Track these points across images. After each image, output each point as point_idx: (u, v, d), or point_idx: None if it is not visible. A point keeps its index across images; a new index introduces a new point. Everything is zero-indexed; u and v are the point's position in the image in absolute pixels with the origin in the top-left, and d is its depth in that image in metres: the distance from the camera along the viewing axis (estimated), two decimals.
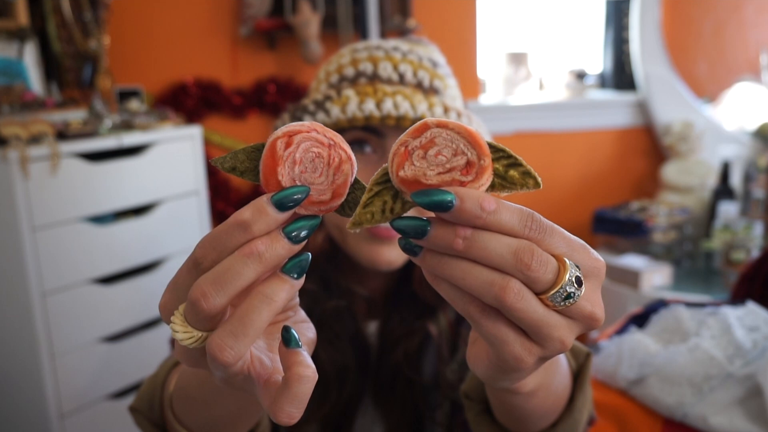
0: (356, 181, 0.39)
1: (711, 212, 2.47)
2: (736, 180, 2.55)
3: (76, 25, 1.88)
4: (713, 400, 1.04)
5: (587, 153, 2.82)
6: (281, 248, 0.36)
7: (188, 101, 2.19)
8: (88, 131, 1.64)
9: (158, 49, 2.16)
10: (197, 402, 0.55)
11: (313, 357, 0.77)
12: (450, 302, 0.38)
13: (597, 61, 2.95)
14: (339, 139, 0.38)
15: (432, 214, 0.36)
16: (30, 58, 1.82)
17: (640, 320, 1.31)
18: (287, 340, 0.38)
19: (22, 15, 1.77)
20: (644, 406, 1.12)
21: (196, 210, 1.89)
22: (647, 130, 2.86)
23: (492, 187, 0.37)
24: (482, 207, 0.34)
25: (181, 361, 0.41)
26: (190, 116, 2.20)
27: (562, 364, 0.57)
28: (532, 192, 0.37)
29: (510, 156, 0.36)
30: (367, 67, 0.76)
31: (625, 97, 2.80)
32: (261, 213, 0.36)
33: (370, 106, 0.71)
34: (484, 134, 0.77)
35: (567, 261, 0.36)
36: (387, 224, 0.75)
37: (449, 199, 0.34)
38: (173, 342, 0.83)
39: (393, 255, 0.75)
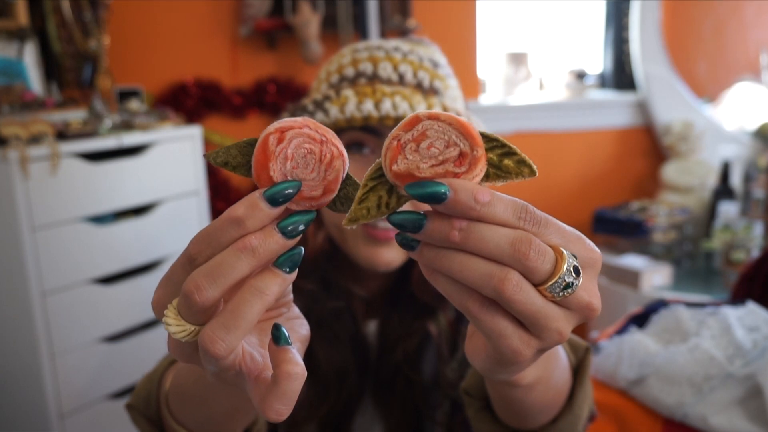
0: (348, 176, 0.39)
1: (711, 212, 2.47)
2: (736, 180, 2.55)
3: (76, 25, 1.88)
4: (713, 400, 1.04)
5: (587, 153, 2.82)
6: (275, 243, 0.36)
7: (188, 101, 2.19)
8: (88, 131, 1.64)
9: (158, 49, 2.16)
10: (193, 399, 0.55)
11: (312, 357, 0.77)
12: (447, 297, 0.38)
13: (597, 61, 2.95)
14: (331, 135, 0.38)
15: (427, 208, 0.36)
16: (30, 58, 1.82)
17: (640, 320, 1.31)
18: (277, 337, 0.38)
19: (22, 15, 1.77)
20: (644, 406, 1.12)
21: (196, 210, 1.89)
22: (647, 130, 2.86)
23: (487, 177, 0.36)
24: (476, 198, 0.34)
25: (173, 356, 0.41)
26: (190, 116, 2.20)
27: (561, 357, 0.57)
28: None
29: (504, 145, 0.36)
30: (367, 68, 0.76)
31: (625, 97, 2.80)
32: (254, 208, 0.36)
33: (368, 106, 0.71)
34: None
35: (564, 251, 0.35)
36: (385, 225, 0.75)
37: (443, 190, 0.34)
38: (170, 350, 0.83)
39: (391, 256, 0.75)
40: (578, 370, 0.63)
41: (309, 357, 0.76)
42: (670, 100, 2.77)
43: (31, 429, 1.61)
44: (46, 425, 1.57)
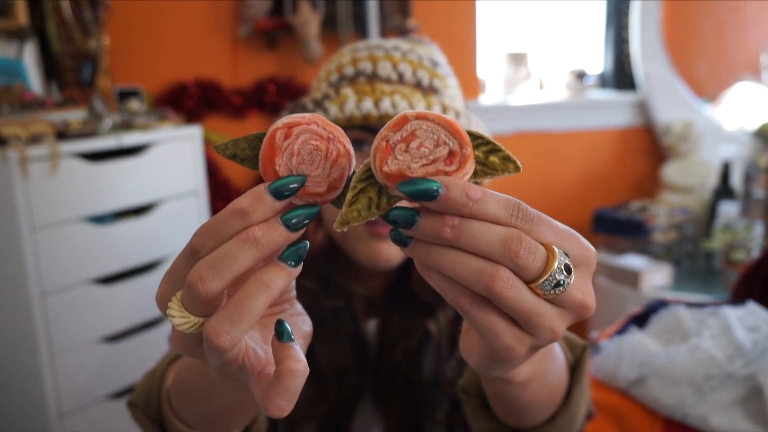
0: (354, 174, 0.39)
1: (711, 212, 2.47)
2: (736, 180, 2.55)
3: (76, 25, 1.88)
4: (713, 400, 1.04)
5: (587, 153, 2.82)
6: (278, 235, 0.36)
7: (188, 101, 2.19)
8: (88, 131, 1.63)
9: (158, 49, 2.16)
10: (195, 396, 0.55)
11: (312, 355, 0.77)
12: (440, 292, 0.38)
13: (597, 61, 2.95)
14: (339, 132, 0.38)
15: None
16: (30, 57, 1.82)
17: (640, 320, 1.31)
18: (280, 333, 0.38)
19: (22, 15, 1.77)
20: (644, 406, 1.12)
21: (196, 210, 1.89)
22: (647, 130, 2.86)
23: (474, 174, 0.37)
24: (468, 195, 0.34)
25: (177, 350, 0.41)
26: (190, 116, 2.20)
27: (557, 355, 0.57)
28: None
29: (489, 142, 0.37)
30: (366, 67, 0.76)
31: (625, 97, 2.80)
32: (258, 201, 0.36)
33: (368, 105, 0.71)
34: (483, 131, 0.78)
35: (556, 249, 0.36)
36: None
37: (435, 187, 0.34)
38: (172, 343, 0.83)
39: (392, 252, 0.75)
40: (575, 368, 0.63)
41: (308, 355, 0.76)
42: (670, 100, 2.77)
43: (31, 429, 1.61)
44: (46, 425, 1.57)
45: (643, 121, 2.84)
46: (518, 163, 0.37)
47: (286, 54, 2.32)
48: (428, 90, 0.76)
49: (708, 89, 2.96)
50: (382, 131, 0.36)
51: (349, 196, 0.37)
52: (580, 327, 2.46)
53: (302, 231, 0.37)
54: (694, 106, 2.79)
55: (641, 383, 1.13)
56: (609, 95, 2.83)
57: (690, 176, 2.63)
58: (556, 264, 0.35)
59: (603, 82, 2.94)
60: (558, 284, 0.35)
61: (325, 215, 0.79)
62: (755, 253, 2.18)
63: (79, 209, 1.59)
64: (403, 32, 2.35)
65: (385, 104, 0.71)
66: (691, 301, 1.31)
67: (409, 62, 0.76)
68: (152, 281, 1.76)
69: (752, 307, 1.18)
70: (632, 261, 2.34)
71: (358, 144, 0.74)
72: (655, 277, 2.29)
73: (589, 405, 0.67)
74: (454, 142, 0.36)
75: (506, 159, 0.37)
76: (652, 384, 1.11)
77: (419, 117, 0.36)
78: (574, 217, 2.72)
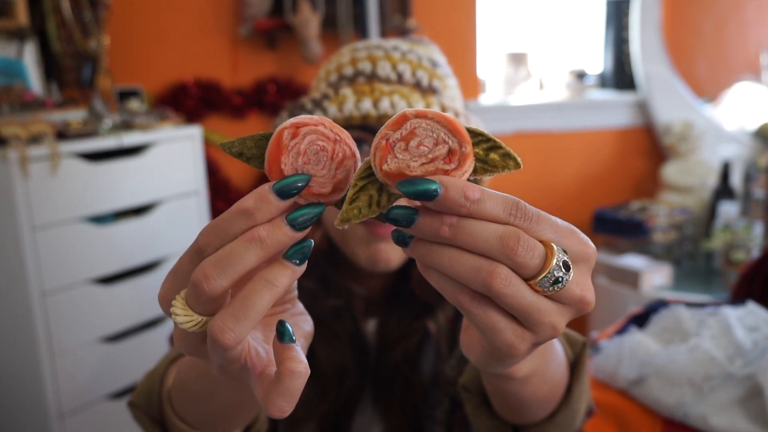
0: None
1: (711, 212, 2.47)
2: (736, 180, 2.55)
3: (76, 25, 1.88)
4: (713, 400, 1.04)
5: (587, 153, 2.82)
6: (283, 235, 0.37)
7: (188, 101, 2.19)
8: (88, 131, 1.64)
9: (158, 49, 2.16)
10: (196, 396, 0.55)
11: (312, 355, 0.77)
12: (440, 291, 0.38)
13: (597, 61, 2.95)
14: (345, 135, 0.38)
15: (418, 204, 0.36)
16: (30, 57, 1.82)
17: (640, 320, 1.31)
18: (281, 334, 0.38)
19: (22, 15, 1.77)
20: (644, 406, 1.12)
21: (196, 210, 1.89)
22: (647, 130, 2.86)
23: (474, 172, 0.37)
24: (466, 196, 0.34)
25: (179, 349, 0.42)
26: (190, 116, 2.20)
27: (557, 351, 0.58)
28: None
29: (489, 139, 0.37)
30: (365, 67, 0.76)
31: (625, 97, 2.80)
32: (263, 200, 0.36)
33: (367, 105, 0.71)
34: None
35: (554, 246, 0.36)
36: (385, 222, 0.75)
37: (434, 188, 0.34)
38: (172, 340, 0.83)
39: (391, 254, 0.75)
40: (575, 365, 0.63)
41: (309, 355, 0.76)
42: (670, 100, 2.77)
43: (31, 429, 1.61)
44: (46, 425, 1.57)
45: (643, 121, 2.84)
46: (518, 159, 0.37)
47: (286, 54, 2.32)
48: (427, 90, 0.76)
49: (708, 89, 2.96)
50: (382, 130, 0.36)
51: (349, 193, 0.37)
52: (580, 326, 2.46)
53: (307, 230, 0.38)
54: (694, 106, 2.79)
55: (641, 383, 1.13)
56: (609, 95, 2.83)
57: (690, 176, 2.63)
58: (554, 261, 0.35)
59: (603, 82, 2.94)
60: (557, 281, 0.36)
61: (324, 216, 0.79)
62: (755, 253, 2.18)
63: (79, 209, 1.59)
64: (403, 32, 2.35)
65: (384, 104, 0.71)
66: (691, 301, 1.31)
67: (409, 62, 0.76)
68: (152, 281, 1.76)
69: (752, 307, 1.18)
70: (632, 261, 2.34)
71: (357, 144, 0.74)
72: (655, 277, 2.29)
73: (590, 401, 0.67)
74: (454, 140, 0.36)
75: (506, 156, 0.37)
76: (652, 384, 1.11)
77: (419, 115, 0.36)
78: (574, 217, 2.72)
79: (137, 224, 1.72)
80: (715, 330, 1.13)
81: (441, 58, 0.82)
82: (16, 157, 1.45)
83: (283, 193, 0.36)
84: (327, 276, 0.81)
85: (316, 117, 0.38)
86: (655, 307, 1.30)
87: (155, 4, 2.13)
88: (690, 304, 1.26)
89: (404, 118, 0.36)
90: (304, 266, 0.38)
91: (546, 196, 2.72)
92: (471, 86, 2.60)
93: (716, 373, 1.06)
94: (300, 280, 0.77)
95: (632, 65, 2.82)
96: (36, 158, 1.49)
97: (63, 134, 1.59)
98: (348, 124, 0.72)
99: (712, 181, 2.58)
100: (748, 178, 2.49)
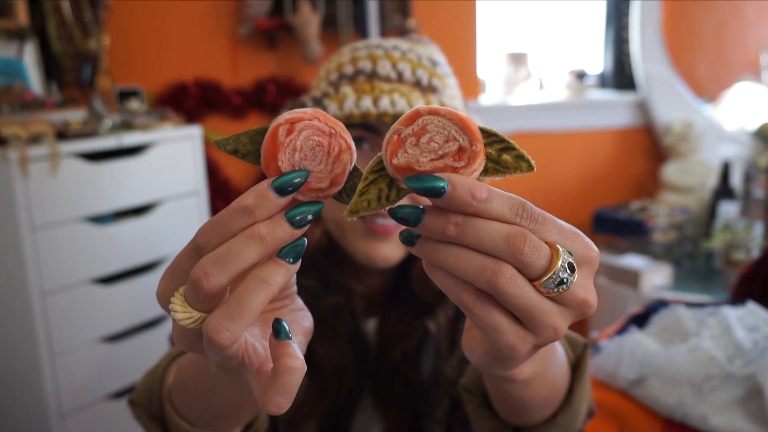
0: (355, 168, 0.39)
1: (711, 212, 2.47)
2: (736, 180, 2.55)
3: (76, 25, 1.88)
4: (713, 400, 1.04)
5: (587, 153, 2.82)
6: (282, 232, 0.37)
7: (188, 101, 2.19)
8: (88, 131, 1.64)
9: (158, 49, 2.16)
10: (196, 393, 0.55)
11: (312, 354, 0.77)
12: (445, 291, 0.38)
13: (597, 61, 2.95)
14: (340, 128, 0.38)
15: (425, 201, 0.37)
16: (30, 57, 1.82)
17: (640, 320, 1.31)
18: (277, 331, 0.38)
19: (22, 15, 1.77)
20: (644, 406, 1.12)
21: (196, 210, 1.89)
22: (647, 130, 2.86)
23: (486, 172, 0.37)
24: (473, 195, 0.35)
25: (178, 345, 0.42)
26: (190, 116, 2.20)
27: (558, 353, 0.58)
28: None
29: (503, 140, 0.37)
30: (365, 65, 0.76)
31: (625, 97, 2.80)
32: (263, 198, 0.36)
33: (366, 103, 0.71)
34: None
35: (559, 247, 0.36)
36: (384, 221, 0.75)
37: (441, 185, 0.34)
38: (172, 339, 0.83)
39: (389, 251, 0.75)
40: (576, 366, 0.63)
41: (308, 354, 0.77)
42: (670, 100, 2.77)
43: (31, 429, 1.61)
44: (46, 425, 1.57)
45: (643, 121, 2.84)
46: (532, 162, 0.37)
47: (286, 54, 2.32)
48: (427, 89, 0.76)
49: (708, 89, 2.96)
50: (395, 125, 0.37)
51: (360, 186, 0.37)
52: (580, 327, 2.46)
53: (306, 228, 0.38)
54: (694, 106, 2.79)
55: (641, 383, 1.13)
56: (609, 95, 2.83)
57: (690, 176, 2.63)
58: (559, 262, 0.35)
59: (603, 82, 2.94)
60: (561, 282, 0.36)
61: (323, 213, 0.79)
62: (755, 253, 2.18)
63: (79, 209, 1.59)
64: (403, 32, 2.35)
65: (384, 102, 0.71)
66: (691, 301, 1.31)
67: (409, 61, 0.76)
68: (152, 281, 1.76)
69: (752, 307, 1.18)
70: (632, 261, 2.34)
71: (357, 142, 0.74)
72: (655, 277, 2.29)
73: (591, 403, 0.67)
74: (465, 138, 0.36)
75: (520, 158, 0.37)
76: (652, 384, 1.11)
77: (431, 112, 0.36)
78: (574, 217, 2.72)
79: (137, 224, 1.72)
80: (715, 330, 1.13)
81: (441, 58, 0.82)
82: (16, 157, 1.45)
83: (282, 190, 0.37)
84: (327, 274, 0.81)
85: (310, 110, 0.38)
86: (655, 307, 1.30)
87: (155, 4, 2.13)
88: (690, 304, 1.26)
89: (417, 114, 0.36)
90: (298, 264, 0.38)
91: (546, 196, 2.72)
92: (471, 86, 2.60)
93: (716, 373, 1.06)
94: (300, 279, 0.77)
95: (632, 65, 2.82)
96: (36, 158, 1.49)
97: (63, 134, 1.59)
98: (348, 122, 0.72)
99: (712, 181, 2.58)
100: (748, 178, 2.49)
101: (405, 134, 0.36)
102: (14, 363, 1.59)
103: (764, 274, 1.39)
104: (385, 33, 2.33)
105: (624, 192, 2.89)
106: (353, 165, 0.39)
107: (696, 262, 2.53)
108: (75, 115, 1.72)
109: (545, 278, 0.35)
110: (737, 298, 1.39)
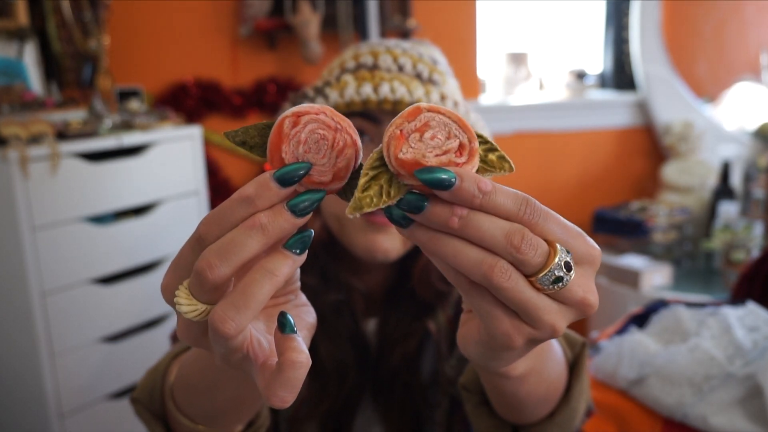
0: (361, 166, 0.39)
1: (711, 212, 2.47)
2: (736, 180, 2.55)
3: (76, 25, 1.88)
4: (713, 400, 1.04)
5: (587, 153, 2.82)
6: (284, 221, 0.37)
7: (188, 101, 2.19)
8: (88, 131, 1.64)
9: (158, 49, 2.16)
10: (198, 390, 0.55)
11: (313, 352, 0.77)
12: (442, 272, 0.39)
13: (597, 61, 2.95)
14: (347, 123, 0.39)
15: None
16: (30, 58, 1.82)
17: (640, 320, 1.31)
18: (282, 325, 0.38)
19: (22, 15, 1.77)
20: (644, 406, 1.12)
21: (196, 210, 1.89)
22: (647, 130, 2.86)
23: (477, 170, 0.38)
24: (479, 187, 0.35)
25: (182, 339, 0.42)
26: (190, 116, 2.20)
27: (555, 350, 0.58)
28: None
29: (487, 141, 0.38)
30: (367, 60, 0.77)
31: (625, 97, 2.80)
32: (264, 188, 0.36)
33: (367, 89, 0.72)
34: (482, 128, 0.79)
35: (558, 246, 0.36)
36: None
37: (451, 177, 0.35)
38: (174, 338, 0.83)
39: (389, 244, 0.74)
40: (574, 365, 0.63)
41: (310, 351, 0.77)
42: (670, 100, 2.77)
43: (31, 429, 1.61)
44: (46, 425, 1.57)
45: (643, 121, 2.84)
46: (512, 163, 0.38)
47: (286, 54, 2.32)
48: (427, 81, 0.76)
49: (708, 89, 2.96)
50: (396, 120, 0.37)
51: (361, 182, 0.37)
52: (580, 327, 2.46)
53: (308, 217, 0.38)
54: (694, 106, 2.79)
55: (641, 383, 1.13)
56: (609, 95, 2.83)
57: (690, 176, 2.63)
58: (556, 260, 0.36)
59: (603, 82, 2.94)
60: (557, 280, 0.36)
61: (323, 206, 0.79)
62: (755, 253, 2.18)
63: (79, 209, 1.59)
64: (403, 33, 2.35)
65: (384, 89, 0.72)
66: (691, 301, 1.31)
67: (410, 56, 0.77)
68: (152, 281, 1.76)
69: (752, 307, 1.18)
70: (632, 261, 2.34)
71: (358, 133, 0.74)
72: (655, 277, 2.29)
73: (589, 402, 0.67)
74: (464, 135, 0.37)
75: (502, 158, 0.38)
76: (652, 384, 1.11)
77: (432, 110, 0.37)
78: (574, 217, 2.72)
79: (137, 224, 1.72)
80: (715, 330, 1.13)
81: (441, 59, 0.83)
82: (16, 157, 1.45)
83: (283, 181, 0.37)
84: (327, 270, 0.81)
85: (317, 106, 0.38)
86: (655, 307, 1.30)
87: (155, 4, 2.13)
88: (690, 304, 1.26)
89: (418, 111, 0.37)
90: (304, 256, 0.38)
91: (546, 196, 2.72)
92: (471, 86, 2.60)
93: (716, 373, 1.06)
94: (300, 276, 0.77)
95: (632, 65, 2.82)
96: (36, 158, 1.49)
97: (63, 134, 1.59)
98: (349, 110, 0.73)
99: (712, 181, 2.58)
100: (748, 178, 2.49)
101: (408, 130, 0.37)
102: (14, 363, 1.59)
103: (764, 274, 1.39)
104: (385, 33, 2.33)
105: (624, 192, 2.89)
106: (359, 162, 0.39)
107: (696, 262, 2.53)
108: (75, 115, 1.72)
109: (541, 275, 0.36)
110: (737, 298, 1.39)
